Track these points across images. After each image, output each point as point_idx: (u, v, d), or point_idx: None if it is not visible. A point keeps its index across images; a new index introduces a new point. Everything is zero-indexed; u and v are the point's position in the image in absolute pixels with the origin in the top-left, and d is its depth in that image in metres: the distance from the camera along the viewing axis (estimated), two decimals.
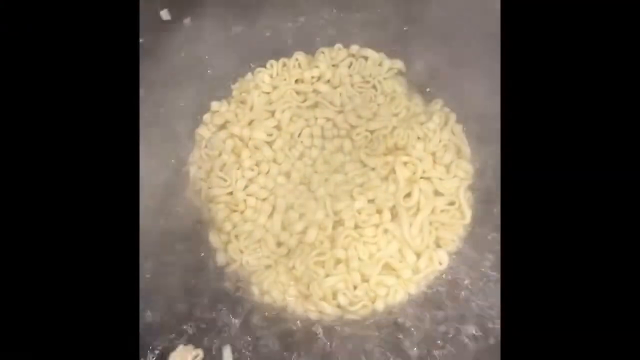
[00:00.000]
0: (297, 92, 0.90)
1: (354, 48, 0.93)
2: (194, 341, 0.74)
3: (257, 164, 0.84)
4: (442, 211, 0.81)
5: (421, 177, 0.82)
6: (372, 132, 0.85)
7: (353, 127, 0.86)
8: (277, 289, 0.77)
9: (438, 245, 0.80)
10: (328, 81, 0.90)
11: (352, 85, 0.90)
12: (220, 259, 0.80)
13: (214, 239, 0.81)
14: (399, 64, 0.92)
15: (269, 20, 0.94)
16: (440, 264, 0.78)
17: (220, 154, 0.86)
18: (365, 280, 0.77)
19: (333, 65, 0.92)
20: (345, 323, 0.76)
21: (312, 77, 0.91)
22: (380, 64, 0.92)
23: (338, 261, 0.78)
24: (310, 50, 0.94)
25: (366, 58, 0.92)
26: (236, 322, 0.76)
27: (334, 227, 0.80)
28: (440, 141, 0.84)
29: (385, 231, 0.79)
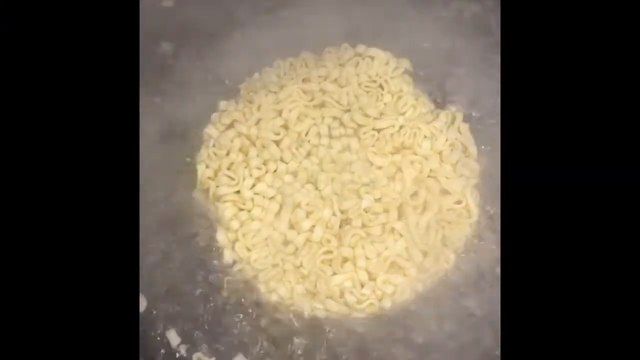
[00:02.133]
0: (304, 92, 0.90)
1: (361, 47, 0.93)
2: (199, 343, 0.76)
3: (264, 163, 0.85)
4: (448, 210, 0.81)
5: (428, 176, 0.82)
6: (378, 130, 0.86)
7: (360, 126, 0.87)
8: (284, 287, 0.78)
9: (445, 244, 0.80)
10: (335, 80, 0.90)
11: (358, 84, 0.90)
12: (227, 257, 0.80)
13: (222, 237, 0.82)
14: (405, 63, 0.92)
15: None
16: (447, 262, 0.78)
17: (228, 153, 0.86)
18: (372, 278, 0.78)
19: (340, 65, 0.92)
20: (352, 321, 0.76)
21: (319, 77, 0.91)
22: (387, 63, 0.92)
23: (345, 259, 0.78)
24: (317, 49, 0.94)
25: (372, 58, 0.92)
26: (244, 321, 0.77)
27: (341, 226, 0.80)
28: (446, 140, 0.84)
29: (392, 230, 0.79)
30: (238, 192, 0.83)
